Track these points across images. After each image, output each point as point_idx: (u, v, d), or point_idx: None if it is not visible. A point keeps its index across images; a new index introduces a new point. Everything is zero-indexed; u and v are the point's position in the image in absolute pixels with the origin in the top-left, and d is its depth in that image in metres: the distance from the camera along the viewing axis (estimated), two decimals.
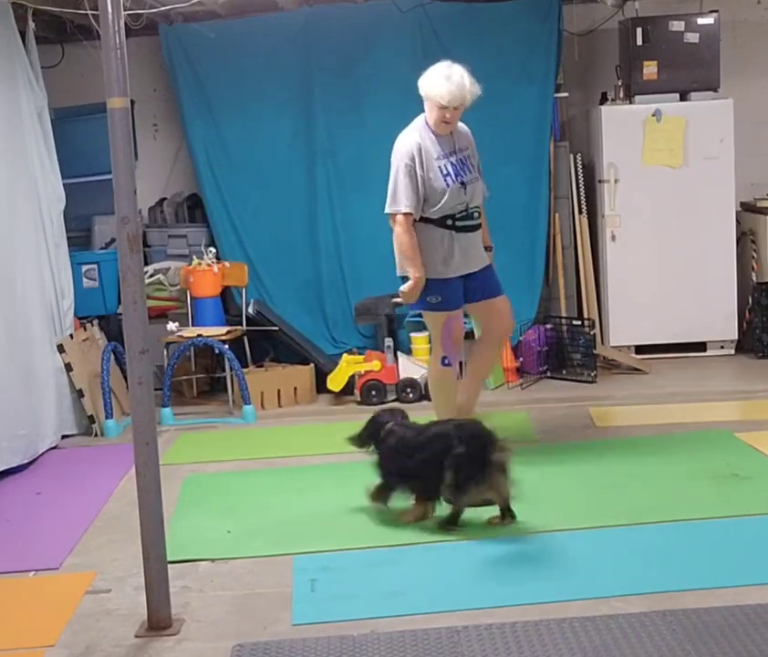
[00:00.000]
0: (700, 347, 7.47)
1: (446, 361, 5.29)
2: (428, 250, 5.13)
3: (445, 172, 5.10)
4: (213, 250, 7.21)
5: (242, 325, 7.04)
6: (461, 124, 5.32)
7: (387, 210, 5.12)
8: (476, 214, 5.26)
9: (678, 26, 7.18)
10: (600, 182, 7.38)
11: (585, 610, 3.53)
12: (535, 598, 3.66)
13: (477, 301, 5.33)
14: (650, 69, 7.20)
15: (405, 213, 5.04)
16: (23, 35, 6.21)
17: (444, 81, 5.04)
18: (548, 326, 7.18)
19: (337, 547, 4.24)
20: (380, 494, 4.53)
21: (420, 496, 4.44)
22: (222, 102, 7.37)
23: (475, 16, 7.27)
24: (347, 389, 6.76)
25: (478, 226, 5.29)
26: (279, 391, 6.79)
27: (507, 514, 4.38)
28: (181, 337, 6.73)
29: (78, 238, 7.39)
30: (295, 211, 7.39)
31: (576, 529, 4.31)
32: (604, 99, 7.46)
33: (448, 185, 5.08)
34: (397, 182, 5.07)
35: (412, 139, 5.11)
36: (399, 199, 5.06)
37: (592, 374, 6.93)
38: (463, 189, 5.14)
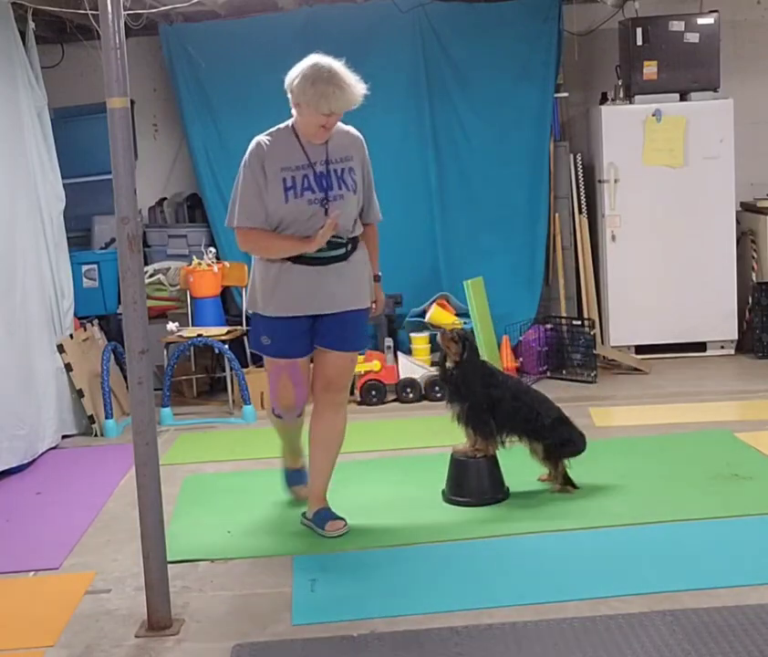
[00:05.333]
0: (700, 347, 7.47)
1: (275, 411, 4.56)
2: (265, 278, 4.32)
3: (289, 184, 4.18)
4: (213, 250, 7.21)
5: (242, 325, 7.04)
6: (347, 129, 4.36)
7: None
8: (339, 243, 4.26)
9: (678, 26, 7.19)
10: (600, 182, 7.39)
11: (584, 610, 3.53)
12: (535, 598, 3.66)
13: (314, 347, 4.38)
14: (650, 69, 7.21)
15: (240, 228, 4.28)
16: (23, 35, 6.20)
17: (325, 85, 4.05)
18: (548, 326, 7.18)
19: (337, 548, 4.24)
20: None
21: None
22: (222, 102, 7.37)
23: (475, 16, 7.28)
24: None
25: (338, 258, 4.28)
26: None
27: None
28: (181, 337, 6.73)
29: (78, 238, 7.39)
30: None
31: (576, 529, 4.30)
32: (604, 99, 7.46)
33: (287, 201, 4.17)
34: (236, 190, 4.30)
35: (258, 140, 4.28)
36: (234, 211, 4.28)
37: (592, 374, 6.93)
38: (322, 208, 4.19)
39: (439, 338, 4.85)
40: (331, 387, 4.39)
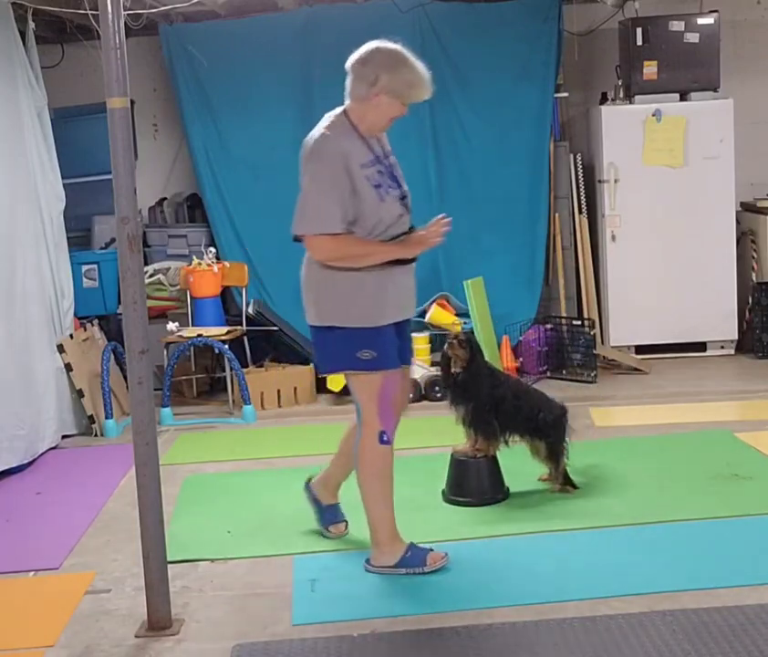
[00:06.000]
0: (700, 347, 7.47)
1: (385, 437, 3.94)
2: (357, 286, 3.87)
3: (375, 182, 3.84)
4: (213, 250, 7.21)
5: (242, 325, 7.04)
6: None
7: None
8: None
9: (678, 26, 7.19)
10: (600, 182, 7.39)
11: (584, 610, 3.53)
12: (535, 598, 3.66)
13: None
14: (650, 69, 7.21)
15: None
16: (23, 35, 6.21)
17: (413, 74, 3.81)
18: (548, 326, 7.18)
19: (337, 548, 4.25)
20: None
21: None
22: (222, 102, 7.37)
23: (475, 16, 7.28)
24: (348, 389, 6.73)
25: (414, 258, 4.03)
26: (279, 391, 6.79)
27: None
28: (181, 337, 6.73)
29: (78, 238, 7.39)
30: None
31: (576, 529, 4.31)
32: (604, 99, 7.46)
33: (382, 199, 3.84)
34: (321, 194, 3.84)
35: (328, 136, 3.87)
36: (319, 216, 3.85)
37: (592, 374, 6.93)
38: (404, 206, 3.94)
39: (446, 346, 4.83)
40: (404, 401, 4.17)
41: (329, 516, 4.41)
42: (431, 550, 4.01)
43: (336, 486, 4.43)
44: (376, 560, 3.98)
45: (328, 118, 3.94)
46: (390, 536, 3.98)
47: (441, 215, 3.97)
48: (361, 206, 3.80)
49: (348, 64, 3.92)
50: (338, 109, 3.96)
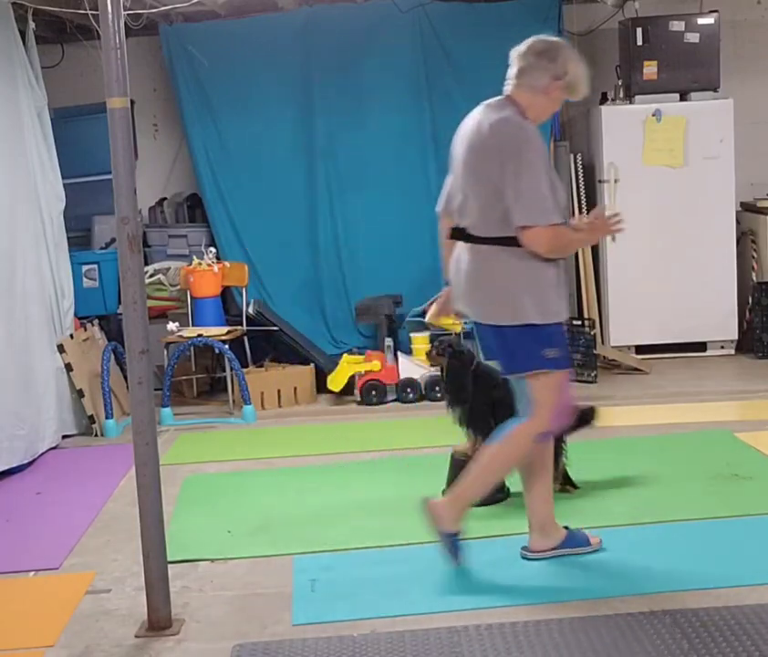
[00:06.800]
0: (700, 347, 7.47)
1: (542, 438, 3.90)
2: (545, 282, 3.77)
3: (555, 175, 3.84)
4: (213, 250, 7.21)
5: (242, 325, 7.04)
6: None
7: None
8: None
9: (678, 26, 7.19)
10: (600, 182, 7.38)
11: (585, 610, 3.53)
12: (535, 598, 3.66)
13: None
14: (650, 69, 7.21)
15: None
16: (23, 35, 6.21)
17: (584, 69, 3.82)
18: None
19: (337, 547, 4.24)
20: None
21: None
22: (222, 102, 7.38)
23: (475, 17, 7.29)
24: (348, 389, 6.76)
25: None
26: (279, 391, 6.79)
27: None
28: (181, 337, 6.73)
29: (78, 238, 7.40)
30: (295, 211, 7.40)
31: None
32: (604, 99, 7.46)
33: (563, 191, 3.87)
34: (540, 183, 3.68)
35: (527, 123, 3.73)
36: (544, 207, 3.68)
37: (592, 374, 6.92)
38: None
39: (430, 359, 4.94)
40: None
41: (577, 538, 4.09)
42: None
43: (552, 517, 4.08)
44: (443, 523, 3.90)
45: (503, 104, 3.79)
46: (461, 512, 3.93)
47: (600, 207, 3.94)
48: (559, 196, 3.77)
49: (527, 53, 3.77)
50: (502, 98, 3.82)
